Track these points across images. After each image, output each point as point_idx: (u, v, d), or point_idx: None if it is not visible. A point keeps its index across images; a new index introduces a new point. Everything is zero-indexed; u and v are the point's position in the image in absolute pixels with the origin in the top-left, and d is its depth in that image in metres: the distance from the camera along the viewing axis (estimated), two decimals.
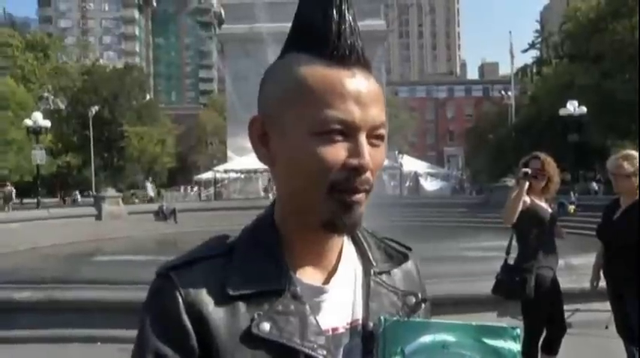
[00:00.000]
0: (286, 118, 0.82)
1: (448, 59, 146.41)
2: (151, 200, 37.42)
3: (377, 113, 0.82)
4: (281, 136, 0.83)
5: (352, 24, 0.79)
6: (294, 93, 0.81)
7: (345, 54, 0.80)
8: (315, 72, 0.80)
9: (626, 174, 4.35)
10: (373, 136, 0.82)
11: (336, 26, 0.78)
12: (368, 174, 0.81)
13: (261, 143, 0.86)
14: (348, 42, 0.79)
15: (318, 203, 0.81)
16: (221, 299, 0.80)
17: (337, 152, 0.79)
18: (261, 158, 0.87)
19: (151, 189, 40.66)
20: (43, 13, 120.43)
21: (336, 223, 0.82)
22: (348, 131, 0.80)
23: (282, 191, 0.87)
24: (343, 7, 0.79)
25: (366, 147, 0.80)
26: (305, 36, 0.80)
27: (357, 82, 0.81)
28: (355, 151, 0.79)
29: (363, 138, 0.80)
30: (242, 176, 38.40)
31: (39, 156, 28.48)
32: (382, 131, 0.83)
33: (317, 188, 0.80)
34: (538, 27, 72.35)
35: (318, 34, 0.79)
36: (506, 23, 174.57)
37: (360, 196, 0.81)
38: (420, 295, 0.91)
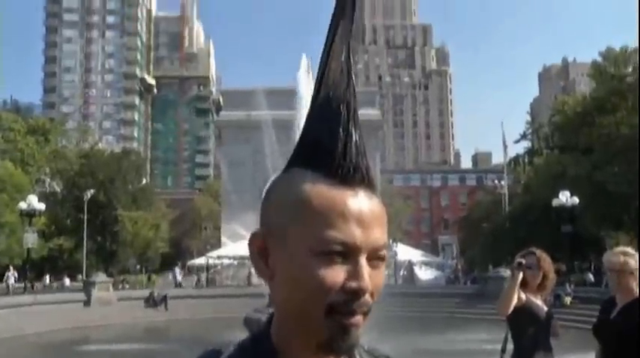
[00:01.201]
0: (288, 235, 0.81)
1: (442, 148, 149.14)
2: (178, 285, 35.80)
3: (379, 235, 0.82)
4: (281, 253, 0.82)
5: (358, 143, 0.79)
6: (296, 211, 0.81)
7: (349, 173, 0.80)
8: (319, 191, 0.80)
9: (630, 270, 4.32)
10: (374, 258, 0.82)
11: (342, 145, 0.78)
12: (367, 297, 0.80)
13: (261, 257, 0.85)
14: (353, 161, 0.79)
15: (316, 324, 0.80)
16: None
17: (337, 274, 0.79)
18: (259, 272, 0.86)
19: (178, 274, 38.06)
20: (48, 98, 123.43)
21: (333, 345, 0.80)
22: (349, 252, 0.79)
23: (280, 308, 0.85)
24: (350, 125, 0.79)
25: (366, 270, 0.80)
26: (310, 152, 0.80)
27: (360, 203, 0.81)
28: (355, 274, 0.79)
29: (363, 260, 0.80)
30: (235, 262, 37.98)
31: (30, 239, 28.30)
32: (383, 253, 0.83)
33: (315, 309, 0.79)
34: (529, 118, 74.24)
35: (323, 151, 0.79)
36: (498, 114, 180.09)
37: (358, 318, 0.80)
38: None
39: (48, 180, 53.30)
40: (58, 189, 56.14)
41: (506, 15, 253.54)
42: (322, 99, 0.80)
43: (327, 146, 0.79)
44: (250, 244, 0.86)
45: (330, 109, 0.80)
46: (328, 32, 0.82)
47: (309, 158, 0.80)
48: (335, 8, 0.80)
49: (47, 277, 45.98)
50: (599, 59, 41.82)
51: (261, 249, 0.85)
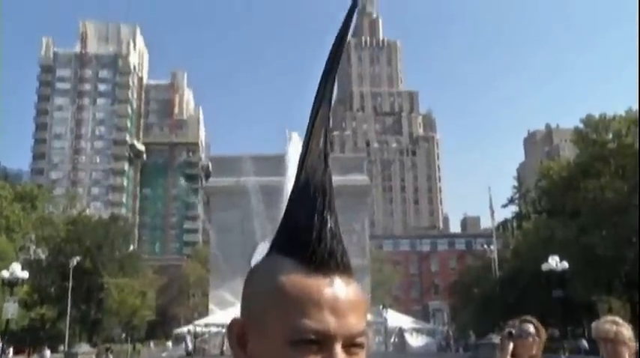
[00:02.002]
0: (265, 324, 0.82)
1: (431, 213, 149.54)
2: (189, 354, 34.83)
3: (355, 322, 0.82)
4: (259, 341, 0.83)
5: (333, 229, 0.80)
6: (273, 299, 0.81)
7: (324, 259, 0.81)
8: (294, 279, 0.81)
9: (624, 340, 4.26)
10: (351, 345, 0.81)
11: (317, 231, 0.79)
12: None
13: (239, 345, 0.86)
14: (328, 247, 0.80)
15: None
16: None
17: None
18: None
19: (189, 342, 37.31)
20: (37, 165, 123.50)
21: None
22: (324, 341, 0.79)
23: None
24: (325, 212, 0.80)
25: None
26: (288, 239, 0.81)
27: (335, 290, 0.81)
28: None
29: (338, 348, 0.80)
30: (223, 330, 37.17)
31: (11, 309, 27.50)
32: (361, 340, 0.83)
33: None
34: (516, 183, 75.00)
35: (299, 237, 0.80)
36: (485, 179, 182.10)
37: None
38: None
39: (33, 247, 52.54)
40: (43, 256, 55.28)
41: (491, 82, 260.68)
42: (301, 183, 0.82)
43: (302, 232, 0.80)
44: (230, 330, 0.87)
45: (307, 195, 0.81)
46: (310, 117, 0.83)
47: (287, 243, 0.81)
48: (316, 94, 0.85)
49: (27, 349, 44.54)
50: (580, 126, 42.79)
51: (240, 335, 0.86)
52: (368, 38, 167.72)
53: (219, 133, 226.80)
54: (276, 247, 0.84)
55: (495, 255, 54.36)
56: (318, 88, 0.81)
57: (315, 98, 0.84)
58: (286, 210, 0.84)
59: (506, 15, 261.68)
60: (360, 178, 45.29)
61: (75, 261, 50.48)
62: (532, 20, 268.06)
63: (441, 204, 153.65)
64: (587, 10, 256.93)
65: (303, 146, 0.81)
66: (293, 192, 0.83)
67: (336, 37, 0.80)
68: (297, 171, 0.83)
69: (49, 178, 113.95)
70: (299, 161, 0.83)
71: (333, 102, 0.77)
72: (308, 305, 0.79)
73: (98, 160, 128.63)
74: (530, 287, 40.81)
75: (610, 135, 40.33)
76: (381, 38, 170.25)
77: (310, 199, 0.81)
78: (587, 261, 35.45)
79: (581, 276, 35.80)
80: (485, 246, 59.77)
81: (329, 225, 0.80)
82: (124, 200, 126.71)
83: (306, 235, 0.79)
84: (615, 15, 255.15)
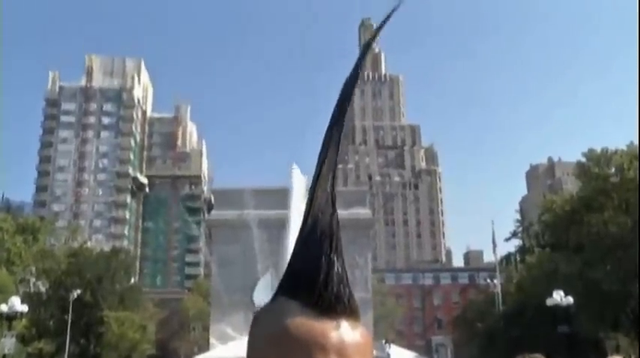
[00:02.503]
0: None
1: (433, 247, 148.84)
2: None
3: None
4: None
5: (340, 272, 0.81)
6: (278, 343, 0.81)
7: (330, 303, 0.80)
8: (300, 323, 0.80)
9: None
10: None
11: (324, 275, 0.79)
12: None
13: None
14: (335, 291, 0.80)
15: None
16: None
17: None
18: None
19: None
20: (39, 197, 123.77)
21: None
22: None
23: None
24: (332, 255, 0.80)
25: None
26: (295, 281, 0.82)
27: (341, 334, 0.81)
28: None
29: None
30: None
31: (8, 344, 27.12)
32: None
33: None
34: (518, 216, 74.72)
35: (306, 281, 0.80)
36: (488, 212, 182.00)
37: None
38: None
39: (33, 279, 52.26)
40: (43, 289, 54.94)
41: (493, 116, 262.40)
42: (308, 226, 0.82)
43: (309, 276, 0.80)
44: None
45: (314, 238, 0.81)
46: (317, 161, 0.83)
47: (294, 287, 0.82)
48: (324, 139, 0.84)
49: None
50: (582, 159, 42.90)
51: None
52: (370, 72, 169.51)
53: (222, 166, 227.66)
54: (283, 290, 0.84)
55: (499, 289, 53.85)
56: (326, 133, 0.83)
57: (323, 143, 0.86)
58: (293, 253, 0.85)
59: (507, 50, 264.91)
60: (362, 212, 45.15)
61: (75, 293, 50.18)
62: (533, 55, 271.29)
63: (443, 237, 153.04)
64: (588, 44, 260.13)
65: (310, 190, 0.82)
66: (300, 234, 0.84)
67: (341, 93, 0.81)
68: (305, 214, 0.84)
69: (52, 210, 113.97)
70: (306, 204, 0.84)
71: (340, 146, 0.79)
72: (314, 349, 0.79)
73: (101, 193, 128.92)
74: (534, 323, 40.31)
75: (612, 169, 40.41)
76: (383, 72, 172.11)
77: (317, 242, 0.81)
78: (592, 296, 35.11)
79: (587, 312, 35.39)
80: (489, 280, 59.30)
81: (336, 269, 0.81)
82: (126, 232, 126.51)
83: (312, 279, 0.80)
84: (616, 50, 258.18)
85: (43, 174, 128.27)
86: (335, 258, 0.81)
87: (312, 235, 0.82)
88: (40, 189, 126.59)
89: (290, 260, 0.84)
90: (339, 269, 0.81)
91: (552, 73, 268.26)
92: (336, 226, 0.84)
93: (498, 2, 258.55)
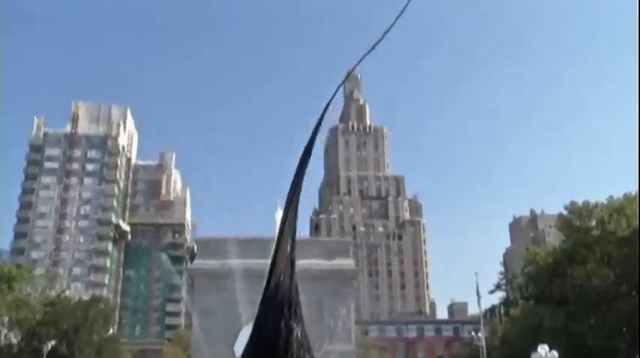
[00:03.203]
0: None
1: (417, 298, 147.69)
2: None
3: None
4: None
5: (300, 338, 0.83)
6: None
7: None
8: None
9: None
10: None
11: (284, 340, 0.81)
12: None
13: None
14: (294, 356, 0.82)
15: None
16: None
17: None
18: None
19: None
20: (17, 244, 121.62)
21: None
22: None
23: None
24: (292, 321, 0.83)
25: None
26: (256, 347, 0.82)
27: None
28: None
29: None
30: None
31: None
32: None
33: None
34: (502, 269, 74.64)
35: (267, 345, 0.81)
36: (472, 264, 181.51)
37: None
38: None
39: (5, 331, 50.65)
40: (14, 341, 53.20)
41: (477, 167, 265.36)
42: (269, 292, 0.86)
43: (270, 340, 0.83)
44: None
45: (274, 303, 0.85)
46: (279, 224, 0.87)
47: (255, 351, 0.83)
48: (286, 202, 0.88)
49: None
50: (564, 212, 43.34)
51: None
52: (355, 123, 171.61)
53: (206, 214, 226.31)
54: (248, 352, 0.87)
55: (483, 343, 53.21)
56: (288, 196, 0.87)
57: (285, 206, 0.89)
58: (255, 319, 0.86)
59: (489, 103, 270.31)
60: (346, 262, 44.92)
61: (50, 345, 48.70)
62: (515, 110, 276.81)
63: (427, 289, 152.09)
64: (570, 98, 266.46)
65: (273, 252, 0.85)
66: (262, 299, 0.86)
67: (300, 159, 0.84)
68: (267, 278, 0.86)
69: (30, 258, 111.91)
70: (269, 267, 0.87)
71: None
72: None
73: (82, 240, 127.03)
74: None
75: (593, 222, 40.82)
76: (368, 123, 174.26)
77: (277, 308, 0.84)
78: (577, 351, 34.86)
79: None
80: (473, 333, 58.61)
81: (295, 334, 0.84)
82: (106, 281, 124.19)
83: (273, 344, 0.83)
84: (595, 106, 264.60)
85: (22, 220, 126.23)
86: (294, 324, 0.84)
87: (272, 300, 0.84)
88: (19, 235, 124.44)
89: (254, 321, 0.84)
90: (299, 335, 0.84)
91: (533, 126, 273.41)
92: (295, 291, 0.84)
93: (478, 58, 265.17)
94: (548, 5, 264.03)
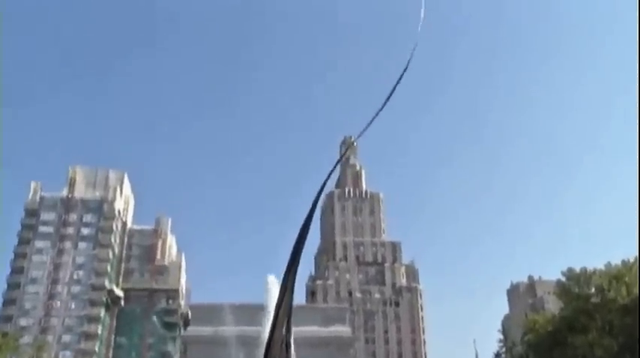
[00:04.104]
0: None
1: None
2: None
3: None
4: None
5: None
6: None
7: None
8: None
9: None
10: None
11: None
12: None
13: None
14: None
15: None
16: None
17: None
18: None
19: None
20: (6, 311, 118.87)
21: None
22: None
23: None
24: None
25: None
26: None
27: None
28: None
29: None
30: None
31: None
32: None
33: None
34: (501, 336, 73.25)
35: None
36: (470, 330, 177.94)
37: None
38: None
39: None
40: None
41: (474, 234, 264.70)
42: None
43: None
44: None
45: None
46: (275, 306, 0.88)
47: None
48: (281, 283, 0.89)
49: None
50: (562, 278, 43.02)
51: None
52: (351, 189, 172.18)
53: (201, 280, 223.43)
54: None
55: None
56: (283, 279, 0.88)
57: (281, 288, 0.89)
58: None
59: (487, 164, 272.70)
60: (342, 329, 44.12)
61: None
62: (512, 177, 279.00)
63: (425, 357, 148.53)
64: (566, 163, 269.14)
65: (269, 334, 0.86)
66: None
67: (296, 241, 0.86)
68: (264, 355, 0.85)
69: (18, 325, 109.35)
70: (264, 349, 0.88)
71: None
72: None
73: (73, 306, 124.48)
74: None
75: (592, 290, 40.44)
76: (364, 189, 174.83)
77: None
78: None
79: None
80: None
81: None
82: (96, 349, 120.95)
83: None
84: (597, 167, 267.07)
85: (13, 286, 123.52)
86: None
87: None
88: (8, 302, 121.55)
89: None
90: None
91: (531, 190, 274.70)
92: None
93: (475, 123, 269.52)
94: (543, 79, 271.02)
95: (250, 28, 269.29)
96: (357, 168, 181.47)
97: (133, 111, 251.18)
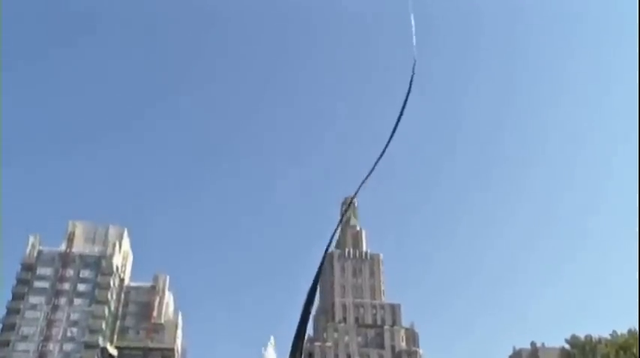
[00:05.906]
0: None
1: None
2: None
3: None
4: None
5: None
6: None
7: None
8: None
9: None
10: None
11: None
12: None
13: None
14: None
15: None
16: None
17: None
18: None
19: None
20: None
21: None
22: None
23: None
24: None
25: None
26: None
27: None
28: None
29: None
30: None
31: None
32: None
33: None
34: None
35: None
36: None
37: None
38: None
39: None
40: None
41: (475, 295, 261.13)
42: None
43: None
44: None
45: None
46: None
47: None
48: (291, 351, 0.87)
49: None
50: (566, 346, 42.08)
51: None
52: (351, 250, 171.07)
53: (198, 340, 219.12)
54: None
55: None
56: (292, 345, 0.85)
57: (290, 356, 0.86)
58: None
59: (491, 233, 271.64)
60: None
61: None
62: (516, 242, 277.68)
63: None
64: (569, 231, 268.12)
65: None
66: None
67: (302, 311, 0.85)
68: None
69: None
70: None
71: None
72: None
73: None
74: None
75: None
76: (364, 250, 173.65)
77: None
78: None
79: None
80: None
81: None
82: None
83: None
84: (599, 235, 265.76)
85: (2, 344, 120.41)
86: None
87: None
88: (1, 343, 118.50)
89: None
90: None
91: (529, 243, 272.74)
92: None
93: (479, 185, 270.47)
94: (543, 139, 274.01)
95: (254, 94, 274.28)
96: (357, 228, 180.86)
97: (135, 166, 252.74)
